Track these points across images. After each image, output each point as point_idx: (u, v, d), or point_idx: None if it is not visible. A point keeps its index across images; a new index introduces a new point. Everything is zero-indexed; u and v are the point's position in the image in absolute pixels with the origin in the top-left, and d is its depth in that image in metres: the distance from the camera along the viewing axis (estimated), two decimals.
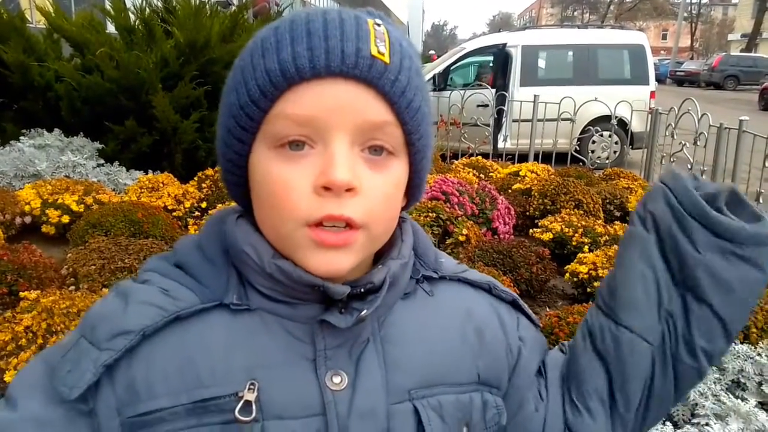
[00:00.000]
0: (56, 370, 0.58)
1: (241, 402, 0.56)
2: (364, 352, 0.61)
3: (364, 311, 0.58)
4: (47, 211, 3.75)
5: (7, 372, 2.12)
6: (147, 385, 0.57)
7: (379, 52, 0.55)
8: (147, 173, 4.78)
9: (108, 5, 5.83)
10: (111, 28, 6.02)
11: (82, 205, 3.84)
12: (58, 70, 5.02)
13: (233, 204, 0.67)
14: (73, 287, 2.77)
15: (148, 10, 5.76)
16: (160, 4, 6.14)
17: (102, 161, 4.87)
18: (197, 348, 0.58)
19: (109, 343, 0.56)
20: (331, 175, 0.54)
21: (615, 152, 8.12)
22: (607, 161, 7.44)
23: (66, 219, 3.75)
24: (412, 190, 0.65)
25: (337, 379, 0.59)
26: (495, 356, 0.70)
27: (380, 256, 0.65)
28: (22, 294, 2.52)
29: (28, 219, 3.77)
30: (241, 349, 0.58)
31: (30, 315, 2.27)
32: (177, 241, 0.67)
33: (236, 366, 0.58)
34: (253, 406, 0.56)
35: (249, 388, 0.56)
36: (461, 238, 3.66)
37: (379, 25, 0.57)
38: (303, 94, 0.54)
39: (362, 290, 0.60)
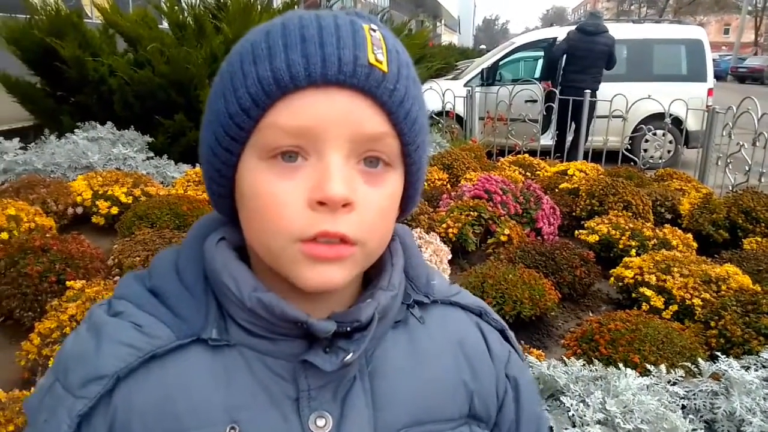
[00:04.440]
0: (34, 417, 0.56)
1: None
2: (351, 391, 0.58)
3: (350, 355, 0.55)
4: (98, 202, 3.87)
5: (51, 359, 2.19)
6: (125, 430, 0.54)
7: (376, 60, 0.52)
8: (194, 167, 4.88)
9: (163, 2, 5.98)
10: (165, 24, 6.16)
11: (131, 197, 3.94)
12: (111, 64, 5.17)
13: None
14: (117, 278, 2.84)
15: (201, 6, 5.88)
16: (212, 1, 6.25)
17: (151, 154, 5.01)
18: (176, 388, 0.55)
19: (83, 390, 0.54)
20: (326, 190, 0.51)
21: (669, 152, 7.85)
22: (660, 161, 7.19)
23: (115, 210, 3.86)
24: (405, 202, 0.62)
25: (321, 422, 0.56)
26: (485, 389, 0.67)
27: (369, 274, 0.62)
28: (68, 283, 2.59)
29: (79, 209, 3.89)
30: (221, 389, 0.56)
31: (75, 304, 2.34)
32: (155, 257, 0.64)
33: (216, 407, 0.55)
34: None
35: None
36: (503, 238, 3.60)
37: (374, 30, 0.54)
38: (297, 104, 0.51)
39: (348, 329, 0.56)
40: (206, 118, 0.57)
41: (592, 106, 7.23)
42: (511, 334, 0.72)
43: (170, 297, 0.59)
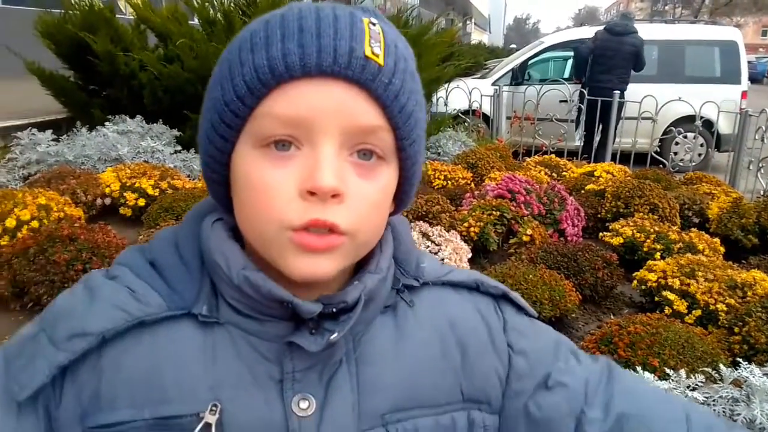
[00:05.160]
0: (11, 361, 0.55)
1: (202, 423, 0.54)
2: (336, 375, 0.59)
3: (335, 335, 0.56)
4: (125, 194, 3.94)
5: None
6: (111, 394, 0.55)
7: (373, 53, 0.52)
8: None
9: None
10: (195, 20, 6.23)
11: (158, 190, 4.01)
12: (142, 59, 5.24)
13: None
14: None
15: (231, 3, 5.93)
16: None
17: (179, 148, 5.06)
18: (165, 358, 0.56)
19: (67, 344, 0.54)
20: (317, 180, 0.51)
21: (699, 155, 7.70)
22: (690, 164, 7.06)
23: (142, 202, 3.93)
24: (401, 196, 0.62)
25: (304, 404, 0.57)
26: (481, 370, 0.66)
27: (361, 263, 0.62)
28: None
29: (107, 201, 3.97)
30: (207, 366, 0.57)
31: None
32: (156, 233, 0.65)
33: (201, 383, 0.56)
34: (213, 430, 0.54)
35: (211, 410, 0.55)
36: (525, 239, 3.57)
37: (374, 24, 0.54)
38: (291, 93, 0.52)
39: (334, 310, 0.57)
40: (204, 105, 0.58)
41: (620, 107, 7.13)
42: (515, 295, 0.71)
43: (167, 269, 0.60)
